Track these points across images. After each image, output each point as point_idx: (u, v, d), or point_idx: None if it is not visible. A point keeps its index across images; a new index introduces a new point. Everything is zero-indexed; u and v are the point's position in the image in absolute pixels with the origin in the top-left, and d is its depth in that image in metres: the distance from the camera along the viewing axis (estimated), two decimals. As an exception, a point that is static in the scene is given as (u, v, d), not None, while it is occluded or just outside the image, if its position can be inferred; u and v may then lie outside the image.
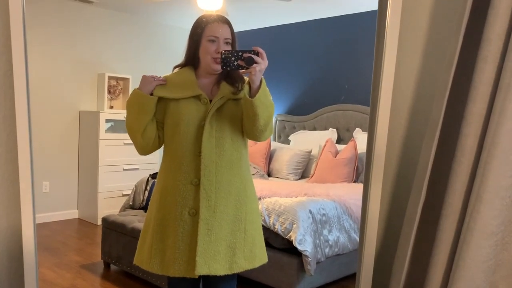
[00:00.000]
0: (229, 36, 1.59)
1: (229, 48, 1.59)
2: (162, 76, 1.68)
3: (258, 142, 4.40)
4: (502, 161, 1.07)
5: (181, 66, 1.68)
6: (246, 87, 1.55)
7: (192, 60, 1.64)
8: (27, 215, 1.28)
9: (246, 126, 1.57)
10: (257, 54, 1.45)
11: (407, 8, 1.33)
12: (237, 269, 1.57)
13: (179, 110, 1.57)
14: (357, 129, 4.27)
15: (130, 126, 1.61)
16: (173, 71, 1.70)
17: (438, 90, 1.19)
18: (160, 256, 1.57)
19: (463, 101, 1.15)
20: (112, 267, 3.24)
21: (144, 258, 1.61)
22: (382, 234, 1.41)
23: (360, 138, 4.06)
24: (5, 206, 1.35)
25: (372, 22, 4.51)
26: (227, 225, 1.56)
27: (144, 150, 1.64)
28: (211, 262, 1.51)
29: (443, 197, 1.18)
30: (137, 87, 1.60)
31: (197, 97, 1.59)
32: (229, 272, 1.55)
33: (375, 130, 1.29)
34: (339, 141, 4.42)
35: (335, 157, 3.80)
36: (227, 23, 1.61)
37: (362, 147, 3.84)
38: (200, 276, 1.59)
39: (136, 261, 1.65)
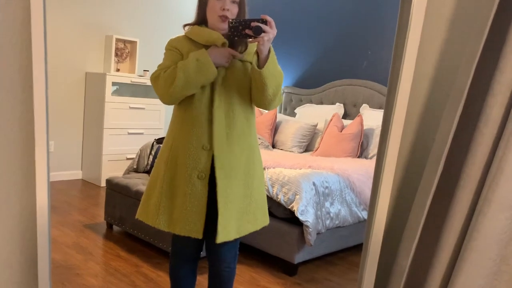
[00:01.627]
0: None
1: (235, 7, 1.56)
2: (176, 37, 1.66)
3: (263, 113, 4.39)
4: None
5: (192, 25, 1.65)
6: (255, 57, 1.53)
7: (201, 20, 1.62)
8: (42, 176, 1.29)
9: (255, 96, 1.57)
10: (266, 23, 1.43)
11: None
12: (243, 232, 1.62)
13: None
14: (364, 104, 4.24)
15: (181, 86, 1.50)
16: (183, 28, 1.67)
17: (465, 59, 1.16)
18: (168, 213, 1.60)
19: (490, 71, 1.13)
20: (115, 228, 3.29)
21: (150, 214, 1.63)
22: (393, 206, 1.42)
23: (367, 114, 4.04)
24: (21, 168, 1.35)
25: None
26: (238, 191, 1.59)
27: (173, 103, 1.59)
28: (227, 230, 1.55)
29: (462, 168, 1.17)
30: (207, 54, 1.50)
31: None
32: (237, 236, 1.60)
33: (396, 98, 1.27)
34: (345, 116, 4.40)
35: (341, 131, 3.79)
36: None
37: (368, 123, 3.83)
38: (204, 236, 1.62)
39: (140, 216, 1.67)
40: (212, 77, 1.53)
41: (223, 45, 1.55)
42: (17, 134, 1.34)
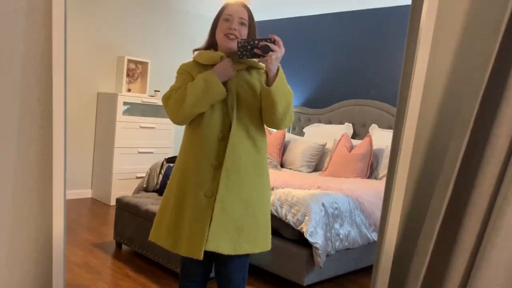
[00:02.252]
0: (245, 16, 1.60)
1: (244, 29, 1.59)
2: (187, 62, 1.70)
3: (272, 133, 4.40)
4: None
5: (202, 50, 1.70)
6: (264, 76, 1.56)
7: (210, 45, 1.67)
8: (59, 201, 1.31)
9: (265, 115, 1.59)
10: (274, 42, 1.46)
11: (443, 6, 1.31)
12: (240, 251, 1.59)
13: None
14: (373, 125, 4.24)
15: (191, 106, 1.53)
16: (193, 53, 1.72)
17: (471, 89, 1.17)
18: (176, 234, 1.61)
19: (496, 102, 1.14)
20: (124, 247, 3.29)
21: (161, 236, 1.65)
22: (402, 229, 1.41)
23: (376, 134, 4.03)
24: (37, 191, 1.39)
25: (394, 17, 4.45)
26: (239, 207, 1.58)
27: (183, 122, 1.62)
28: (219, 240, 1.55)
29: (469, 196, 1.17)
30: (213, 73, 1.53)
31: (224, 83, 1.58)
32: (232, 253, 1.58)
33: (404, 125, 1.28)
34: (354, 136, 4.40)
35: (350, 152, 3.79)
36: (245, 6, 1.63)
37: (377, 143, 3.83)
38: (212, 257, 1.62)
39: (152, 237, 1.68)
40: (220, 95, 1.55)
41: (221, 58, 1.59)
42: (35, 158, 1.37)
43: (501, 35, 1.09)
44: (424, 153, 1.37)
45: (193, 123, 1.62)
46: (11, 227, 1.36)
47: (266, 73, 1.52)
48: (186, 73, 1.66)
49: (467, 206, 1.18)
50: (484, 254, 1.12)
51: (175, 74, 1.72)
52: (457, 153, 1.16)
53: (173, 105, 1.57)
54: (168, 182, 1.73)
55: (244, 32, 1.59)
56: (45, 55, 1.36)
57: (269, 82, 1.51)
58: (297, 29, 5.20)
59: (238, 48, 1.48)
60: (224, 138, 1.58)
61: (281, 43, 1.48)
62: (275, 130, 4.47)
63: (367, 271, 3.16)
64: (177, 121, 1.61)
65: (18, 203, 1.37)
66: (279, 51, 1.47)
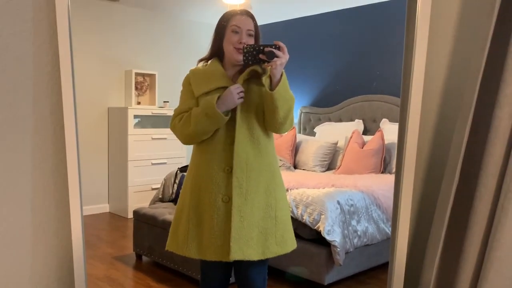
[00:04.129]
0: (252, 28, 1.63)
1: (251, 40, 1.62)
2: (190, 70, 1.72)
3: (283, 135, 4.41)
4: None
5: (206, 59, 1.72)
6: (267, 81, 1.58)
7: (217, 52, 1.68)
8: (76, 209, 1.34)
9: (266, 118, 1.61)
10: (278, 48, 1.49)
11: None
12: (269, 254, 1.61)
13: None
14: (384, 119, 4.22)
15: (196, 134, 1.60)
16: (197, 64, 1.74)
17: (471, 74, 1.17)
18: (197, 241, 1.62)
19: (496, 84, 1.14)
20: (144, 258, 3.32)
21: (179, 244, 1.66)
22: (415, 220, 1.41)
23: (387, 128, 4.01)
24: (55, 202, 1.42)
25: (397, 10, 4.44)
26: (258, 212, 1.60)
27: (191, 143, 1.69)
28: (245, 248, 1.56)
29: (477, 179, 1.17)
30: (215, 102, 1.55)
31: (227, 88, 1.61)
32: (262, 257, 1.59)
33: (407, 117, 1.29)
34: (365, 132, 4.38)
35: (362, 148, 3.78)
36: (251, 16, 1.66)
37: (389, 137, 3.81)
38: (232, 262, 1.63)
39: (170, 247, 1.70)
40: (222, 123, 1.59)
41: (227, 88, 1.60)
42: (50, 171, 1.41)
43: (495, 16, 1.09)
44: (430, 141, 1.37)
45: None
46: (31, 245, 1.40)
47: (270, 77, 1.55)
48: (187, 86, 1.70)
49: (476, 190, 1.18)
50: (495, 235, 1.12)
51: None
52: (462, 138, 1.15)
53: (179, 135, 1.65)
54: (180, 191, 1.75)
55: (251, 42, 1.62)
56: (53, 73, 1.40)
57: (272, 87, 1.54)
58: (300, 30, 5.21)
59: (243, 53, 1.51)
60: (233, 142, 1.60)
61: (285, 49, 1.51)
62: (285, 133, 4.48)
63: (388, 266, 3.14)
64: (188, 144, 1.69)
65: (36, 220, 1.41)
66: (283, 57, 1.50)
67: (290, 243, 1.68)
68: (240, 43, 1.59)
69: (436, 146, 1.39)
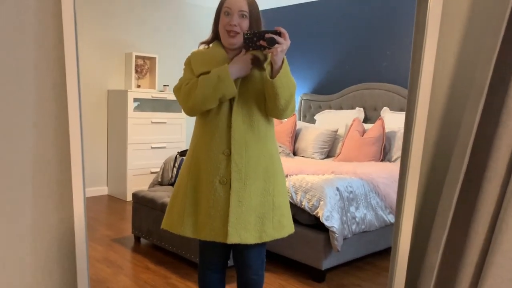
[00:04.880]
0: (244, 9, 1.57)
1: (245, 21, 1.58)
2: (191, 52, 1.71)
3: (283, 121, 4.40)
4: None
5: (208, 42, 1.70)
6: (268, 67, 1.56)
7: (217, 35, 1.66)
8: (78, 187, 1.34)
9: (268, 105, 1.60)
10: (279, 34, 1.46)
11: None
12: (266, 238, 1.62)
13: None
14: (384, 108, 4.21)
15: (201, 100, 1.56)
16: (198, 47, 1.72)
17: (484, 53, 1.16)
18: (192, 220, 1.63)
19: (510, 63, 1.12)
20: (142, 240, 3.34)
21: (174, 222, 1.67)
22: (420, 204, 1.41)
23: (388, 117, 4.01)
24: (57, 181, 1.43)
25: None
26: (256, 196, 1.61)
27: (195, 113, 1.65)
28: (242, 232, 1.57)
29: (487, 161, 1.17)
30: (227, 71, 1.52)
31: None
32: (258, 241, 1.61)
33: (416, 103, 1.27)
34: (366, 120, 4.37)
35: (362, 136, 3.77)
36: None
37: (389, 126, 3.80)
38: (230, 245, 1.65)
39: (165, 225, 1.71)
40: (231, 94, 1.56)
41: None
42: (52, 150, 1.40)
43: None
44: (439, 125, 1.36)
45: (204, 113, 1.63)
46: (33, 226, 1.40)
47: (271, 64, 1.53)
48: (188, 66, 1.67)
49: (485, 172, 1.17)
50: (504, 217, 1.12)
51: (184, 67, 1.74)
52: (473, 119, 1.14)
53: (183, 99, 1.60)
54: (179, 171, 1.74)
55: (245, 25, 1.58)
56: (57, 55, 1.39)
57: (273, 74, 1.52)
58: (302, 16, 5.16)
59: (244, 39, 1.49)
60: (230, 127, 1.60)
61: (287, 35, 1.48)
62: (285, 119, 4.48)
63: (386, 253, 3.17)
64: (188, 113, 1.64)
65: (38, 199, 1.41)
66: (284, 44, 1.47)
67: (287, 228, 1.70)
68: (231, 25, 1.56)
69: (444, 130, 1.38)
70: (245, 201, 1.58)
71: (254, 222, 1.60)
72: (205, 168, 1.61)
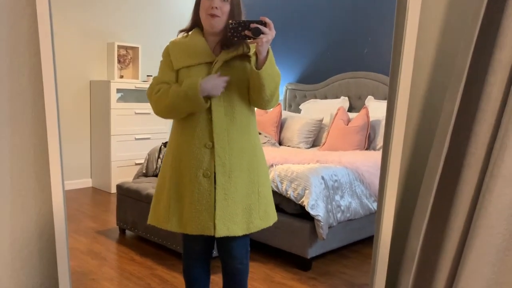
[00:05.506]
0: None
1: (226, 5, 1.56)
2: (170, 41, 1.68)
3: (268, 111, 4.39)
4: None
5: (187, 30, 1.68)
6: (253, 58, 1.54)
7: (196, 21, 1.64)
8: (56, 181, 1.31)
9: (252, 96, 1.58)
10: (265, 24, 1.44)
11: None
12: (253, 229, 1.63)
13: (191, 76, 1.57)
14: (369, 96, 4.23)
15: (170, 111, 1.58)
16: (177, 35, 1.69)
17: (463, 41, 1.17)
18: (178, 215, 1.62)
19: (489, 50, 1.14)
20: (127, 232, 3.31)
21: (160, 218, 1.66)
22: (401, 190, 1.43)
23: (372, 106, 4.03)
24: (35, 173, 1.40)
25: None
26: (242, 188, 1.61)
27: (163, 117, 1.66)
28: (230, 224, 1.58)
29: (466, 147, 1.19)
30: (197, 90, 1.50)
31: (210, 63, 1.59)
32: (246, 232, 1.62)
33: (397, 87, 1.28)
34: (350, 109, 4.39)
35: (347, 125, 3.79)
36: None
37: (374, 114, 3.83)
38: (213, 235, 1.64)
39: (151, 221, 1.70)
40: (201, 110, 1.55)
41: (209, 63, 1.57)
42: (30, 140, 1.37)
43: None
44: (420, 112, 1.38)
45: None
46: (10, 216, 1.37)
47: (256, 55, 1.51)
48: (167, 57, 1.65)
49: (465, 158, 1.19)
50: (483, 202, 1.14)
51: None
52: (453, 106, 1.15)
53: (153, 107, 1.61)
54: (161, 164, 1.73)
55: (226, 9, 1.55)
56: (32, 43, 1.34)
57: (258, 65, 1.50)
58: (287, 5, 5.13)
59: (228, 30, 1.46)
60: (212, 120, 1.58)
61: (272, 25, 1.46)
62: (271, 109, 4.47)
63: (370, 241, 3.19)
64: (160, 116, 1.64)
65: (17, 192, 1.38)
66: (270, 34, 1.45)
67: (272, 217, 1.71)
68: (212, 8, 1.53)
69: (425, 114, 1.40)
70: (231, 194, 1.58)
71: (242, 214, 1.60)
72: (188, 162, 1.59)
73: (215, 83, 1.53)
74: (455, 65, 1.22)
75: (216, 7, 1.53)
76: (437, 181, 1.18)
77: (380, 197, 1.44)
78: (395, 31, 1.34)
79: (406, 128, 1.34)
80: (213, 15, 1.54)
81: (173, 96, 1.54)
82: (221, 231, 1.56)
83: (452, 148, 1.21)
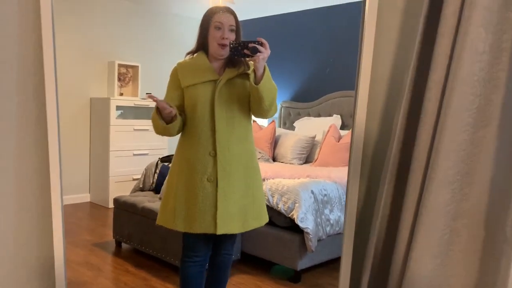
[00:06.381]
0: (233, 23, 1.80)
1: (233, 34, 1.80)
2: (177, 63, 1.89)
3: (263, 128, 4.52)
4: (455, 119, 1.29)
5: (193, 52, 1.90)
6: (252, 75, 1.74)
7: (202, 46, 1.85)
8: (56, 200, 1.43)
9: (253, 107, 1.80)
10: (261, 44, 1.66)
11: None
12: (248, 228, 1.84)
13: (197, 93, 1.79)
14: (360, 115, 4.35)
15: (159, 131, 1.82)
16: (185, 57, 1.91)
17: (412, 61, 1.38)
18: (183, 216, 1.80)
19: (426, 71, 1.36)
20: (124, 245, 3.39)
21: (168, 219, 1.84)
22: (363, 197, 1.61)
23: (363, 123, 4.14)
24: (36, 196, 1.52)
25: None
26: (238, 191, 1.81)
27: (173, 135, 1.86)
28: (228, 223, 1.78)
29: (411, 154, 1.39)
30: (155, 115, 1.76)
31: (214, 81, 1.80)
32: (242, 230, 1.83)
33: (357, 100, 1.47)
34: (343, 127, 4.52)
35: (338, 141, 3.91)
36: (232, 13, 1.83)
37: (364, 132, 3.94)
38: (211, 236, 1.86)
39: (160, 221, 1.89)
40: (172, 128, 1.77)
41: (213, 81, 1.80)
42: (32, 163, 1.49)
43: (424, 14, 1.33)
44: (378, 125, 1.58)
45: (188, 120, 1.83)
46: (13, 231, 1.47)
47: (254, 71, 1.71)
48: (174, 77, 1.87)
49: (411, 163, 1.38)
50: (423, 202, 1.34)
51: (166, 76, 1.92)
52: (404, 120, 1.32)
53: (153, 127, 1.84)
54: (168, 172, 1.94)
55: (232, 37, 1.80)
56: (36, 62, 1.47)
57: (256, 80, 1.71)
58: (280, 26, 5.32)
59: (230, 49, 1.69)
60: (215, 131, 1.78)
61: (267, 45, 1.68)
62: (265, 126, 4.60)
63: (360, 254, 3.28)
64: (171, 136, 1.86)
65: (18, 206, 1.48)
66: (265, 52, 1.67)
67: (264, 218, 1.93)
68: (223, 38, 1.76)
69: (382, 126, 1.64)
70: (230, 195, 1.78)
71: (238, 214, 1.80)
72: (194, 168, 1.79)
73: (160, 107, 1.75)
74: (404, 86, 1.40)
75: (227, 38, 1.77)
76: (393, 183, 1.37)
77: (346, 202, 1.64)
78: (359, 53, 1.54)
79: (365, 138, 1.57)
80: (223, 45, 1.77)
81: (152, 119, 1.81)
82: (221, 229, 1.75)
83: (402, 155, 1.41)
